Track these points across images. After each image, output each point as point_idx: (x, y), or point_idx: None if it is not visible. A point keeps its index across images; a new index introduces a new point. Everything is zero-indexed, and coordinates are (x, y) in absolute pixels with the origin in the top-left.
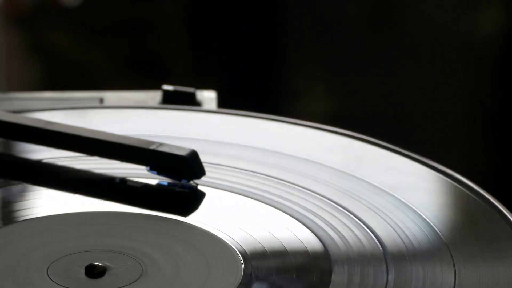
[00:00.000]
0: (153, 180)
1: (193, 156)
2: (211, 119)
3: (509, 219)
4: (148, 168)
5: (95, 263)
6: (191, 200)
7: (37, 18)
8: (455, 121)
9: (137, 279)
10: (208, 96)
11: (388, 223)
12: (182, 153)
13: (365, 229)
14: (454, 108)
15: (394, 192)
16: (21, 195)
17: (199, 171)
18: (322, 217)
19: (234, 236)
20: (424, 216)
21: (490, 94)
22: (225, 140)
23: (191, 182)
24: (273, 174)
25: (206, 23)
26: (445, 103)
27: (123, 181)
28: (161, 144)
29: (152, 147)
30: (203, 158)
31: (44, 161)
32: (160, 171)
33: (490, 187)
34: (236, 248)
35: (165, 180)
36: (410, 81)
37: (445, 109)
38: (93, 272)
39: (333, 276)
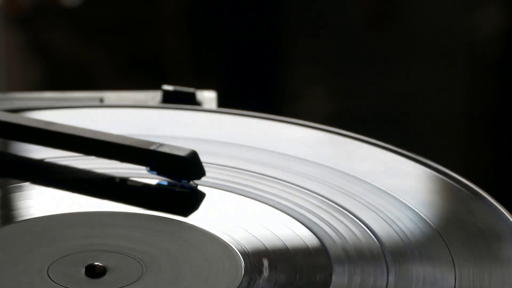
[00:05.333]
0: (153, 180)
1: (193, 157)
2: (211, 119)
3: (509, 219)
4: (148, 168)
5: (95, 263)
6: (191, 200)
7: (37, 18)
8: (455, 121)
9: (137, 279)
10: (208, 96)
11: (388, 224)
12: (182, 153)
13: (366, 230)
14: (454, 108)
15: (394, 192)
16: (21, 195)
17: (199, 172)
18: (322, 217)
19: (234, 236)
20: (424, 216)
21: (490, 94)
22: (225, 140)
23: (191, 182)
24: (273, 174)
25: (206, 23)
26: (445, 103)
27: (123, 181)
28: (161, 145)
29: (152, 147)
30: (203, 158)
31: (44, 161)
32: (160, 172)
33: (490, 187)
34: (236, 248)
35: (165, 181)
36: (410, 81)
37: (445, 109)
38: (93, 272)
39: (333, 276)
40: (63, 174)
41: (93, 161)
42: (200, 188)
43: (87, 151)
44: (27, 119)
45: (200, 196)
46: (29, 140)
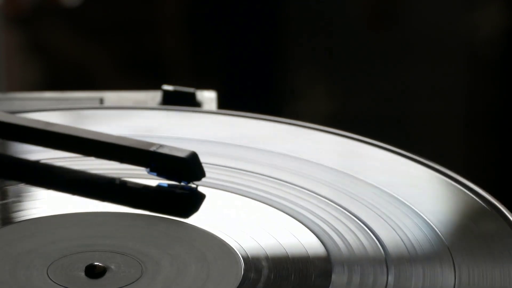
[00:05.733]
0: (154, 181)
1: (193, 158)
2: (211, 120)
3: (510, 220)
4: (148, 169)
5: (95, 263)
6: (191, 201)
7: (37, 18)
8: (455, 121)
9: (137, 279)
10: (208, 96)
11: (389, 224)
12: (182, 154)
13: (365, 230)
14: (454, 108)
15: (395, 193)
16: (21, 195)
17: (199, 173)
18: (322, 217)
19: (234, 236)
20: (425, 217)
21: (490, 94)
22: (225, 141)
23: (191, 183)
24: (273, 174)
25: (206, 23)
26: (446, 103)
27: (123, 182)
28: (161, 146)
29: (152, 148)
30: (203, 158)
31: (44, 162)
32: (160, 173)
33: (491, 188)
34: (236, 248)
35: (165, 182)
36: (410, 82)
37: (446, 110)
38: (93, 272)
39: (333, 277)
40: (62, 175)
41: (93, 161)
42: (200, 188)
43: (87, 152)
44: (27, 120)
45: (200, 196)
46: (29, 141)
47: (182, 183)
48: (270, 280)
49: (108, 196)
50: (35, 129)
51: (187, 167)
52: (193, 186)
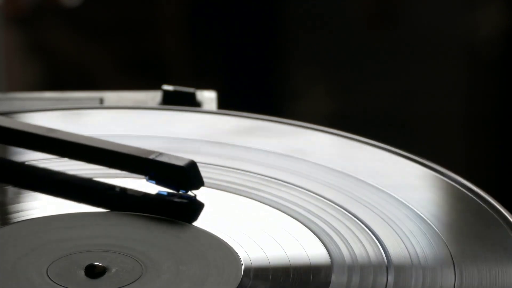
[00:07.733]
0: (153, 189)
1: (192, 167)
2: (211, 120)
3: (510, 220)
4: (147, 177)
5: (95, 263)
6: (191, 204)
7: (37, 18)
8: (456, 121)
9: (137, 279)
10: (208, 96)
11: (389, 225)
12: (181, 163)
13: (365, 230)
14: (454, 108)
15: (394, 192)
16: (20, 196)
17: (198, 182)
18: (322, 218)
19: (234, 236)
20: (424, 217)
21: (490, 94)
22: (225, 141)
23: (190, 192)
24: (273, 175)
25: (206, 23)
26: (446, 103)
27: (123, 190)
28: (160, 154)
29: (151, 156)
30: (202, 158)
31: (44, 165)
32: (159, 181)
33: (491, 188)
34: (236, 248)
35: (165, 190)
36: (410, 81)
37: (445, 109)
38: (93, 272)
39: (333, 276)
40: (62, 177)
41: (93, 166)
42: (199, 188)
43: (87, 159)
44: (27, 125)
45: (199, 205)
46: (30, 147)
47: (181, 192)
48: (270, 280)
49: (107, 204)
50: (35, 135)
51: (186, 176)
52: (192, 195)
